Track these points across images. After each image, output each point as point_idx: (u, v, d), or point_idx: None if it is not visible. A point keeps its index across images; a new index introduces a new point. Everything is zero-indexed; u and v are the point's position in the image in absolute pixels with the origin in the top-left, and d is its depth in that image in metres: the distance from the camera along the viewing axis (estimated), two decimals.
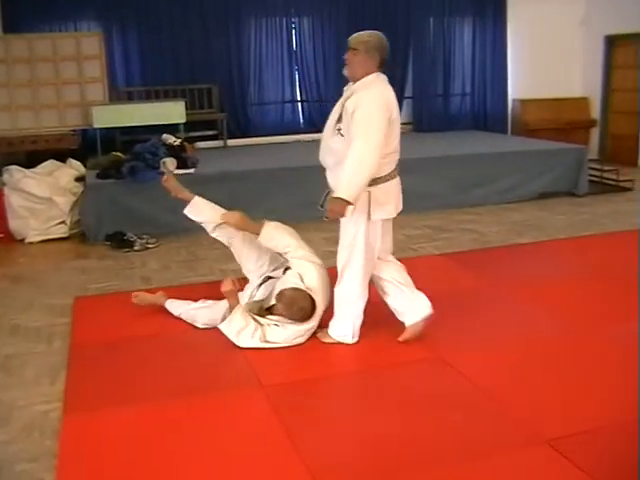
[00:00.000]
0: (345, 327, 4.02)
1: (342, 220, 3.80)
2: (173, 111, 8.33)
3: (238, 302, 3.99)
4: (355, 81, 3.76)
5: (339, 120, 3.74)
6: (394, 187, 3.86)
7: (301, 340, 4.01)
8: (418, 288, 4.08)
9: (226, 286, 3.96)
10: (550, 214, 7.48)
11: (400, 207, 3.94)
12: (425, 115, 10.49)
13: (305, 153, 7.74)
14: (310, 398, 3.57)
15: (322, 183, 3.91)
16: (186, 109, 8.46)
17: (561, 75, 11.16)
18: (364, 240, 3.83)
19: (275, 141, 9.72)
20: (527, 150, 8.44)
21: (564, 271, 5.50)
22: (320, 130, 4.03)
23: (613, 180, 9.03)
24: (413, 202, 7.32)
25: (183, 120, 8.37)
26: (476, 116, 10.79)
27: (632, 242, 6.03)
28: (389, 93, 3.74)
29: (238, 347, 3.95)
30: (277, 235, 4.15)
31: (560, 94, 11.12)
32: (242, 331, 3.92)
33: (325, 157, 3.89)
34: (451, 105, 10.71)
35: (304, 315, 3.94)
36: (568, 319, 4.43)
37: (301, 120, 10.23)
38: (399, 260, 4.22)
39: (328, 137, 3.83)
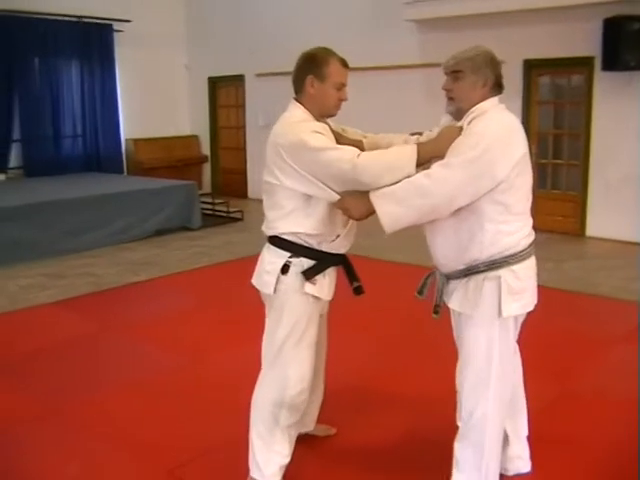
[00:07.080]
0: None
1: (465, 329, 2.64)
2: None
3: None
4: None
5: None
6: (534, 267, 2.67)
7: None
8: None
9: None
10: (166, 250, 7.80)
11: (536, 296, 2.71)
12: (36, 158, 10.08)
13: None
14: None
15: None
16: None
17: (171, 115, 11.78)
18: (499, 351, 2.61)
19: None
20: (141, 189, 8.67)
21: (178, 305, 5.77)
22: None
23: (224, 212, 9.72)
24: (24, 250, 7.16)
25: None
26: (90, 158, 10.74)
27: (241, 270, 6.54)
28: (516, 122, 2.60)
29: None
30: None
31: (171, 133, 11.72)
32: None
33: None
34: (63, 147, 10.50)
35: None
36: (184, 351, 4.66)
37: None
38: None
39: None
